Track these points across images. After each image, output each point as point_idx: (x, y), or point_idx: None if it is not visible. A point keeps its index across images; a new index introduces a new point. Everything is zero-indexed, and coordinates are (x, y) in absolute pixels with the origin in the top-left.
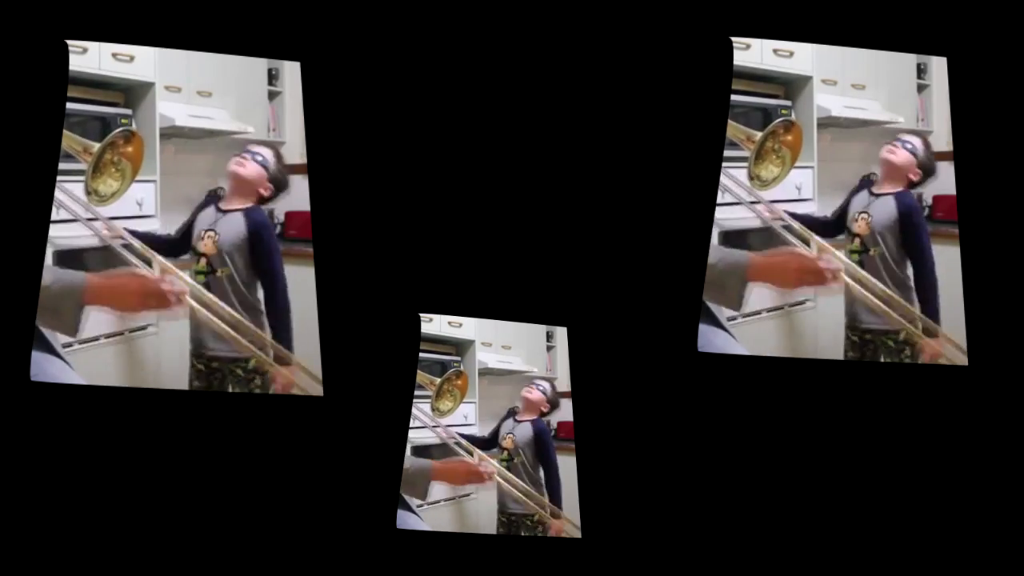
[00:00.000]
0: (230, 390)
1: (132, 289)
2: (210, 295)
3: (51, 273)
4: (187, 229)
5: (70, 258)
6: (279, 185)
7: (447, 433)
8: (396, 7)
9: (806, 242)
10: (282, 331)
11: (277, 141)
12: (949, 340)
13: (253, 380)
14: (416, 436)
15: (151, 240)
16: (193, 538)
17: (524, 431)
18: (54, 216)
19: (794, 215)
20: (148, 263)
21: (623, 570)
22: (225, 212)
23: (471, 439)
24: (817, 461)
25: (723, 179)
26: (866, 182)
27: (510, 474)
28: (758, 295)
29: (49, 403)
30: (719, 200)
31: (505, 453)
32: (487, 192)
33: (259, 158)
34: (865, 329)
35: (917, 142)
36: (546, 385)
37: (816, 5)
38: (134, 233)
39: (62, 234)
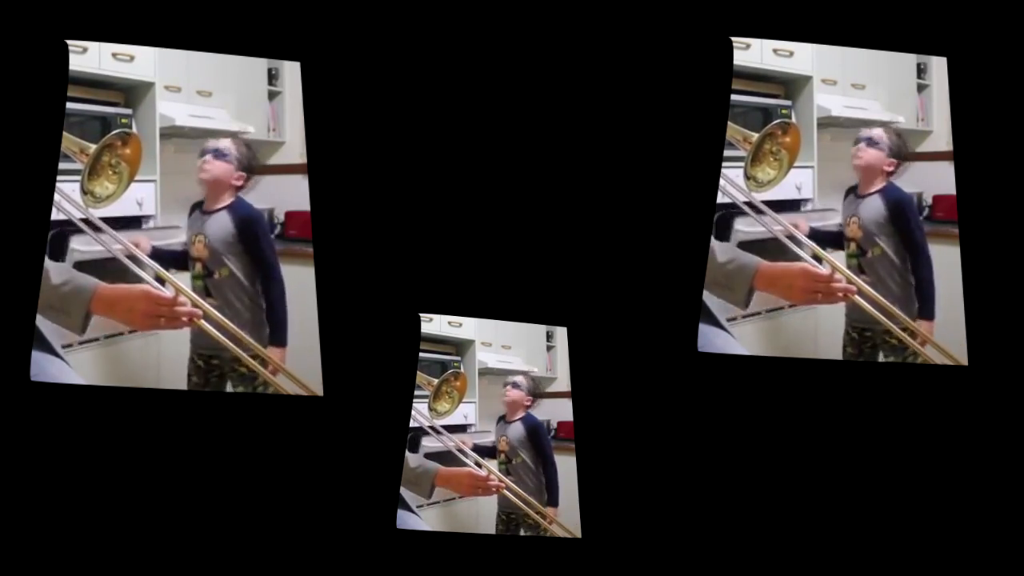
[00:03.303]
0: (229, 388)
1: (141, 310)
2: (214, 311)
3: (63, 273)
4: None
5: (86, 267)
6: (250, 169)
7: (451, 440)
8: (396, 7)
9: (820, 260)
10: (278, 324)
11: (242, 131)
12: (942, 350)
13: (255, 379)
14: (425, 443)
15: (162, 254)
16: (193, 538)
17: (516, 430)
18: (54, 216)
19: (814, 230)
20: (161, 281)
21: (623, 570)
22: (209, 214)
23: (479, 449)
24: (817, 461)
25: (722, 181)
26: (852, 189)
27: (514, 485)
28: (761, 297)
29: (49, 403)
30: (719, 200)
31: (502, 456)
32: (487, 192)
33: (221, 154)
34: (864, 327)
35: (878, 133)
36: (521, 380)
37: (816, 5)
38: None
39: (82, 248)
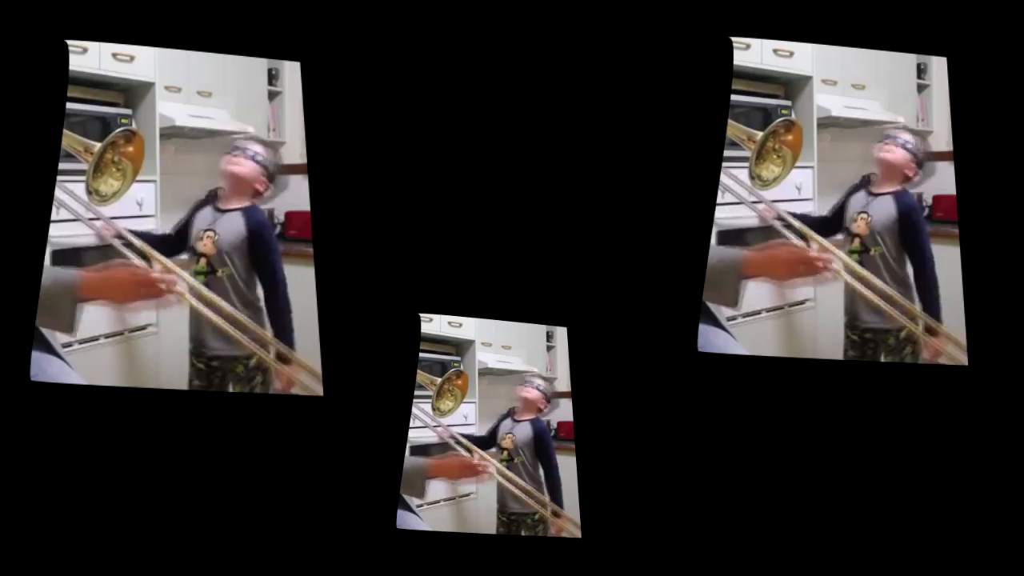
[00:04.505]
0: (231, 389)
1: (124, 279)
2: (210, 292)
3: (48, 273)
4: (184, 227)
5: (66, 256)
6: (276, 181)
7: (446, 432)
8: (396, 7)
9: (806, 239)
10: (283, 330)
11: (276, 141)
12: (950, 338)
13: (254, 379)
14: (415, 435)
15: (149, 239)
16: (193, 538)
17: (523, 431)
18: (54, 216)
19: (793, 215)
20: (147, 260)
21: (623, 570)
22: (224, 212)
23: (469, 439)
24: (817, 461)
25: (724, 179)
26: (864, 181)
27: (510, 472)
28: (755, 292)
29: (49, 403)
30: (719, 200)
31: (505, 453)
32: (486, 192)
33: (254, 155)
34: (865, 328)
35: (912, 139)
36: (542, 383)
37: (816, 5)
38: (134, 233)
39: (60, 233)
